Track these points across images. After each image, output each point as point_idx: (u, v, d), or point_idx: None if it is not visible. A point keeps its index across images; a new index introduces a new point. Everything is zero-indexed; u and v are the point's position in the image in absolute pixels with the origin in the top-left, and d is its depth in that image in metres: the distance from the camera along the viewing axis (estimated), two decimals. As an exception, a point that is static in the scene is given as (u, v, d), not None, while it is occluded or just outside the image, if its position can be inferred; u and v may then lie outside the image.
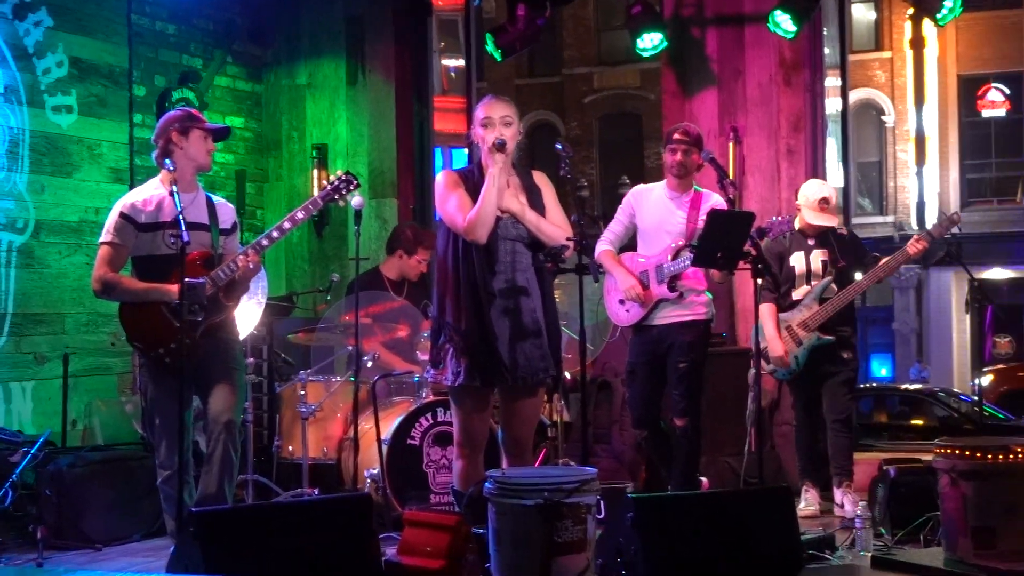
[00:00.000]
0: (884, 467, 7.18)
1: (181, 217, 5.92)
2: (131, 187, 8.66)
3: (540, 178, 6.25)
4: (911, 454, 8.31)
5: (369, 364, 7.94)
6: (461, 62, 12.24)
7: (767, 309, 7.85)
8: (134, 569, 6.70)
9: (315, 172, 10.59)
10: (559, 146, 6.18)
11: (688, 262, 7.07)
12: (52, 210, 8.83)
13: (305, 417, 7.86)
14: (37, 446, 7.57)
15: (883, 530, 6.71)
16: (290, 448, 8.25)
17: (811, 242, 7.94)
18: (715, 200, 7.32)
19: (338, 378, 8.15)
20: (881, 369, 29.29)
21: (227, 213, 6.63)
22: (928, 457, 6.02)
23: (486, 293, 5.90)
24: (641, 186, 7.64)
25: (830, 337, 7.80)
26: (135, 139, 9.47)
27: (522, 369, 5.92)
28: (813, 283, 7.89)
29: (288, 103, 10.86)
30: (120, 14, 9.48)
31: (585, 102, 31.67)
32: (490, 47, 9.68)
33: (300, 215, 6.47)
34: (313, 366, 8.34)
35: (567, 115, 31.71)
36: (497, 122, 6.01)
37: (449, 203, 6.01)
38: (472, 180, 6.08)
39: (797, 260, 7.93)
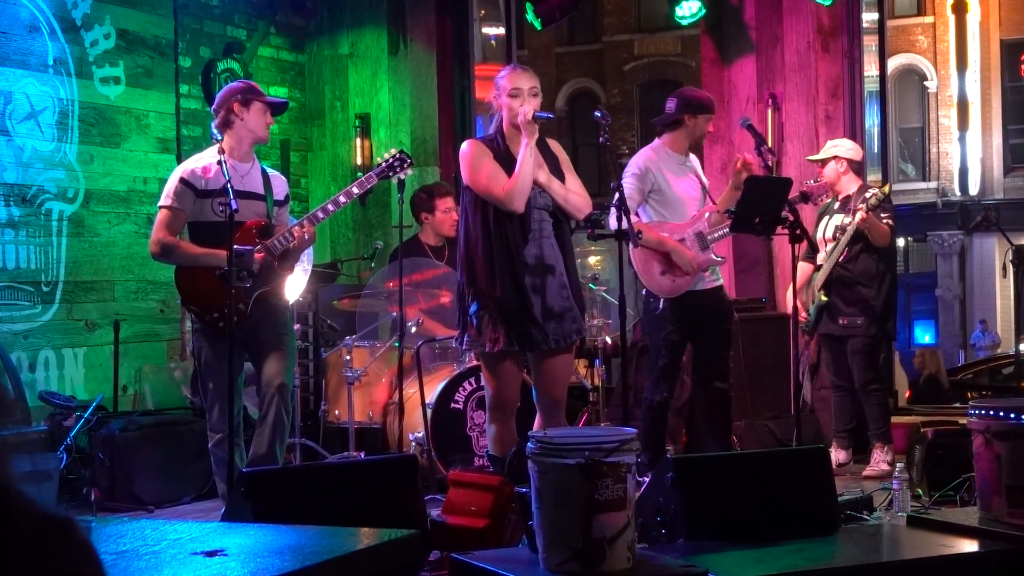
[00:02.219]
0: (921, 429, 7.23)
1: (229, 185, 6.06)
2: (178, 157, 8.81)
3: (555, 147, 6.33)
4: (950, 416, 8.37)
5: (413, 330, 8.02)
6: (501, 30, 12.24)
7: (800, 268, 7.94)
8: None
9: (358, 141, 10.70)
10: (598, 114, 6.24)
11: (726, 229, 7.13)
12: (101, 180, 8.98)
13: (351, 382, 7.99)
14: (90, 411, 7.72)
15: (920, 491, 6.76)
16: (336, 412, 8.38)
17: (836, 207, 8.07)
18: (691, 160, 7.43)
19: (382, 344, 8.27)
20: (924, 336, 29.19)
21: (281, 185, 6.78)
22: (964, 420, 6.09)
23: (520, 261, 5.98)
24: (649, 153, 7.35)
25: (824, 299, 7.94)
26: (181, 109, 9.61)
27: (557, 332, 6.03)
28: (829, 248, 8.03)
29: (331, 73, 10.96)
30: (165, -14, 9.57)
31: (625, 69, 31.56)
32: (530, 16, 9.74)
33: (355, 190, 6.63)
34: (358, 332, 8.42)
35: (607, 83, 31.63)
36: (526, 93, 6.02)
37: (481, 173, 6.02)
38: (497, 149, 6.11)
39: (820, 227, 8.10)
